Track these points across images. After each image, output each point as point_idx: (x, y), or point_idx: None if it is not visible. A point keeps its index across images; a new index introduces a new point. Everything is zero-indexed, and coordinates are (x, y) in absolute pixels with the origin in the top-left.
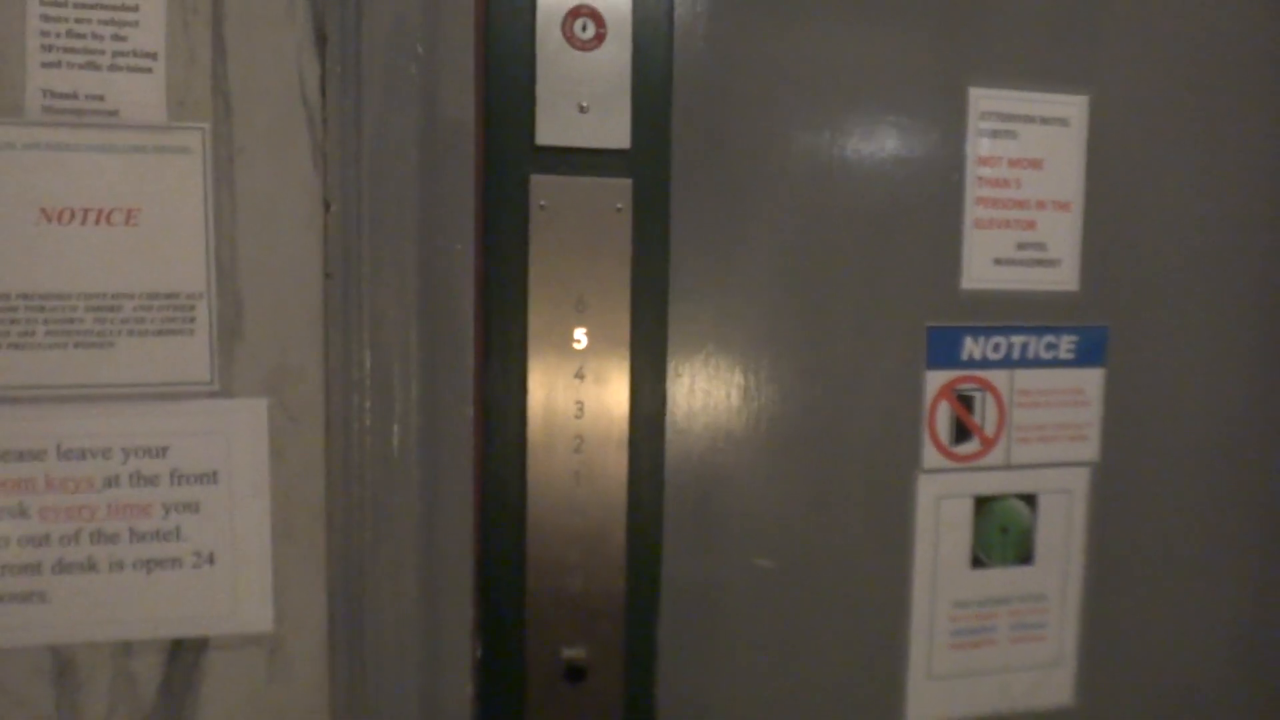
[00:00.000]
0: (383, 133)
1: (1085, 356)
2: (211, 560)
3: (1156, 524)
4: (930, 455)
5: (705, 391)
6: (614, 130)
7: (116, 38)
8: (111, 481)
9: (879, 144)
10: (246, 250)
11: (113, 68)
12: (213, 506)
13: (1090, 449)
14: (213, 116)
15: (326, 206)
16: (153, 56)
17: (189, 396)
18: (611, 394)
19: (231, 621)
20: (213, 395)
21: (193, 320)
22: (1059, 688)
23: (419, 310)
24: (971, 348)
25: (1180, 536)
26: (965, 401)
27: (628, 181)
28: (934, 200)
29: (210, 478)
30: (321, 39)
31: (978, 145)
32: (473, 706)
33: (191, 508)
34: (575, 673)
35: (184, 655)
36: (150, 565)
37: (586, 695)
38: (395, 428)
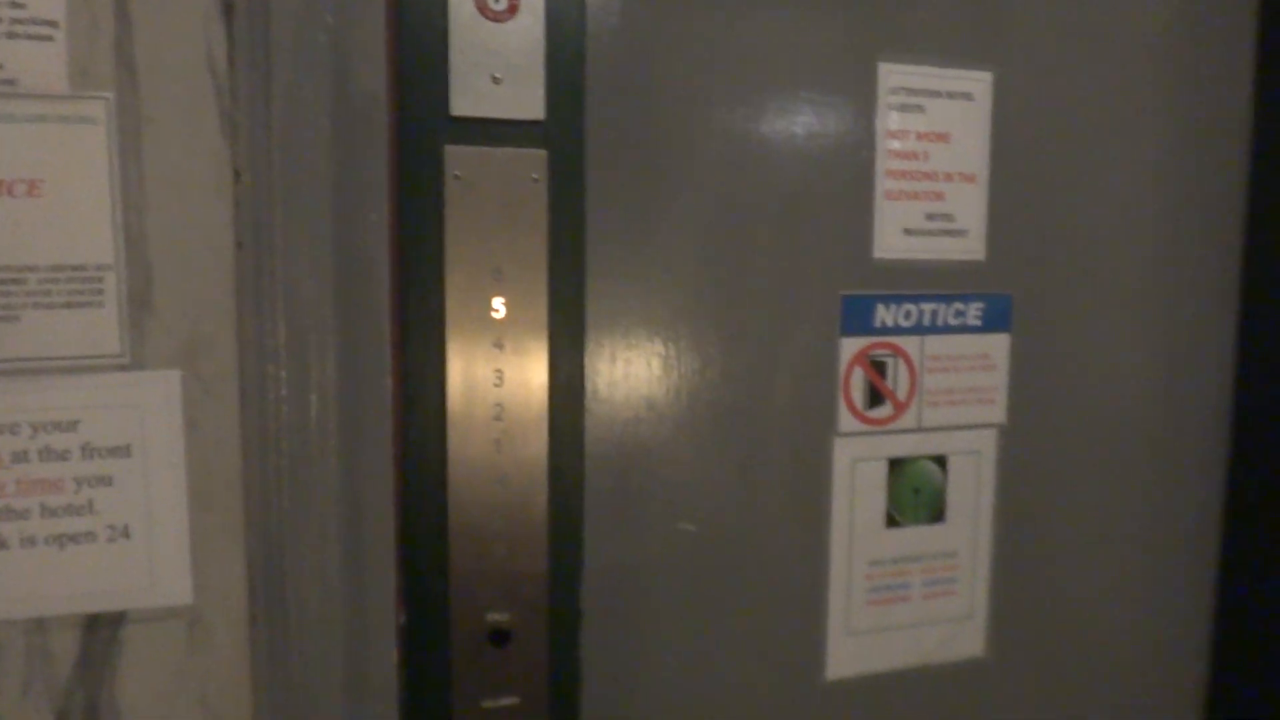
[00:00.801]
0: (293, 103)
1: (991, 323)
2: (127, 534)
3: (1061, 482)
4: (846, 420)
5: (626, 360)
6: (528, 101)
7: (14, 4)
8: (20, 457)
9: (793, 118)
10: (155, 221)
11: (10, 35)
12: (126, 480)
13: (997, 412)
14: (117, 86)
15: (237, 176)
16: (53, 25)
17: (99, 370)
18: (531, 363)
19: (149, 595)
20: (123, 368)
21: (101, 292)
22: (970, 640)
23: (334, 280)
24: (884, 315)
25: (1084, 494)
26: (878, 367)
27: (543, 153)
28: (846, 173)
29: (123, 451)
30: (228, 8)
31: (887, 119)
32: (398, 673)
33: (104, 481)
34: (500, 637)
35: (101, 630)
36: (63, 541)
37: (511, 658)
38: (312, 398)
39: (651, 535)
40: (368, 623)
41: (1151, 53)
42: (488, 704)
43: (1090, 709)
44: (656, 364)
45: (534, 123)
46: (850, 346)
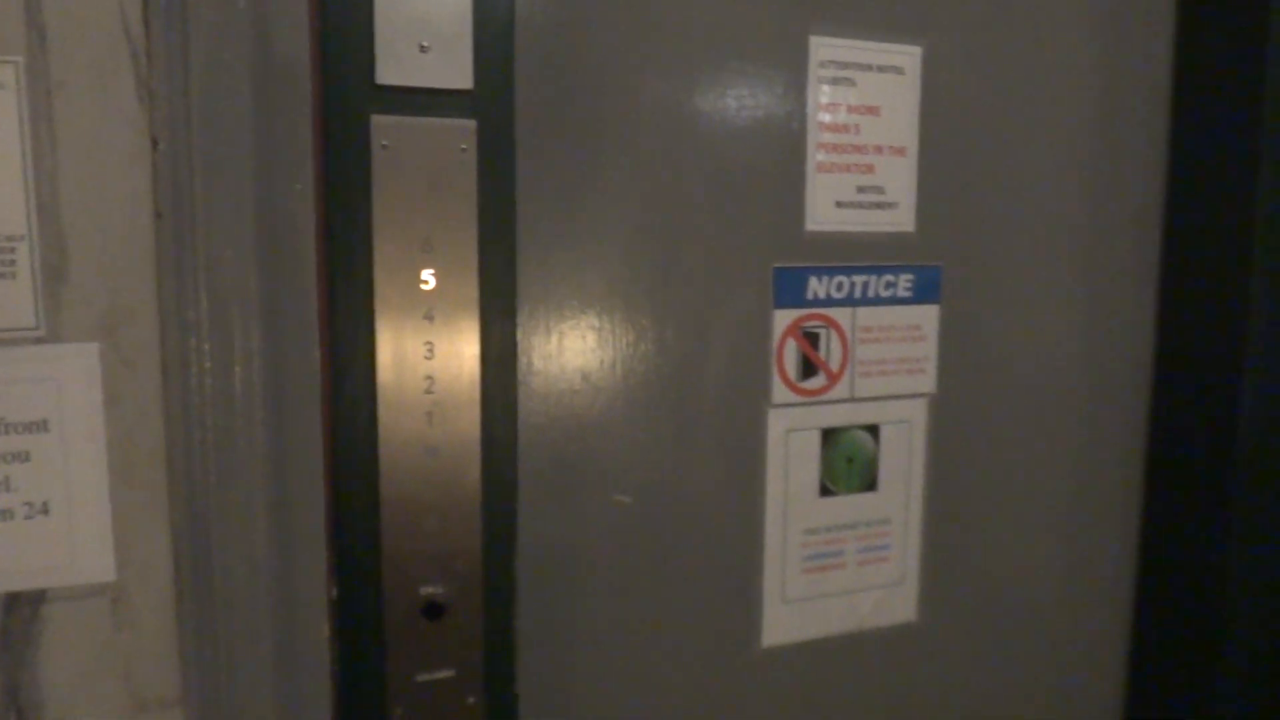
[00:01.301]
0: (211, 69)
1: (921, 294)
2: (45, 510)
3: (989, 450)
4: (779, 390)
5: (560, 333)
6: (456, 71)
7: None
8: None
9: (725, 91)
10: (69, 189)
11: None
12: (44, 456)
13: (928, 381)
14: (27, 50)
15: (154, 144)
16: None
17: (13, 343)
18: (462, 335)
19: (70, 572)
20: (39, 341)
21: (14, 264)
22: (903, 605)
23: (257, 250)
24: (816, 287)
25: (1010, 461)
26: (811, 339)
27: (472, 123)
28: (779, 145)
29: (40, 426)
30: None
31: (818, 92)
32: (330, 647)
33: (20, 457)
34: (434, 610)
35: (20, 609)
36: None
37: (446, 631)
38: (237, 369)
39: (587, 507)
40: (298, 597)
41: (1078, 29)
42: (422, 677)
43: (1019, 669)
44: (591, 337)
45: (463, 92)
46: (783, 318)
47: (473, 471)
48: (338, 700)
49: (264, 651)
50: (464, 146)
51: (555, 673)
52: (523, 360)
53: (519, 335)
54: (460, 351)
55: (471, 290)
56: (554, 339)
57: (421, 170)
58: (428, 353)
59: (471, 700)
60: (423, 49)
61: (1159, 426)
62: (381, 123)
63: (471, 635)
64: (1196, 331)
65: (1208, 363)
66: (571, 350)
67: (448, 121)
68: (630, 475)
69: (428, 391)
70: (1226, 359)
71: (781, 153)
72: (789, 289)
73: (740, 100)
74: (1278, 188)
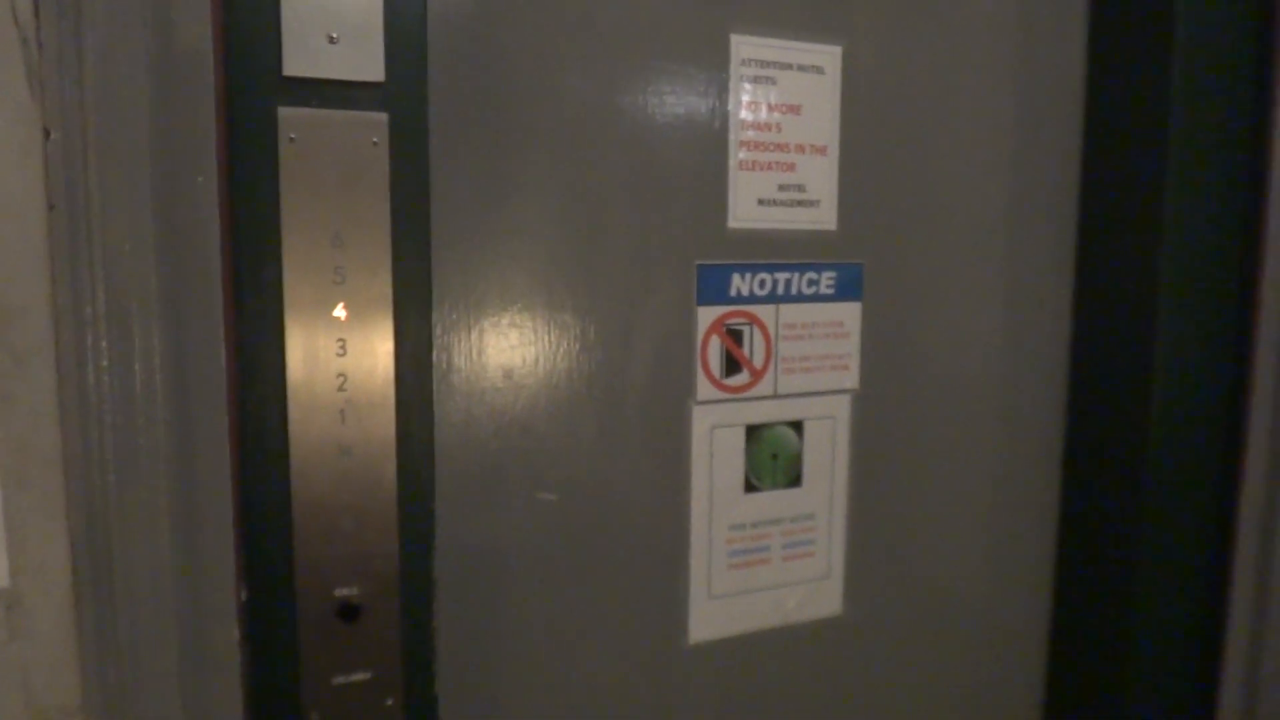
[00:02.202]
0: (107, 59)
1: (844, 291)
2: None
3: (911, 445)
4: (704, 387)
5: (481, 330)
6: (366, 63)
7: None
8: None
9: (646, 88)
10: None
11: None
12: None
13: (851, 378)
14: None
15: (46, 135)
16: None
17: None
18: (375, 331)
19: None
20: None
21: None
22: (829, 599)
23: (157, 244)
24: (739, 284)
25: (933, 455)
26: (735, 336)
27: (384, 115)
28: (700, 143)
29: None
30: None
31: (740, 91)
32: (241, 650)
33: None
34: (350, 611)
35: None
36: None
37: (363, 633)
38: (137, 367)
39: (512, 505)
40: (206, 600)
41: (994, 28)
42: (339, 680)
43: (942, 660)
44: (514, 334)
45: (373, 85)
46: (707, 315)
47: (389, 471)
48: (251, 705)
49: (170, 657)
50: (375, 140)
51: (480, 672)
52: (443, 358)
53: (438, 332)
54: (374, 348)
55: (385, 286)
56: (475, 336)
57: (331, 163)
58: (340, 350)
59: (390, 702)
60: (331, 40)
61: (1075, 421)
62: (289, 115)
63: (389, 637)
64: (1110, 325)
65: (1121, 357)
66: (493, 347)
67: (358, 114)
68: (554, 473)
69: (340, 389)
70: (1139, 353)
71: (703, 151)
72: (712, 286)
73: (662, 98)
74: (1184, 185)
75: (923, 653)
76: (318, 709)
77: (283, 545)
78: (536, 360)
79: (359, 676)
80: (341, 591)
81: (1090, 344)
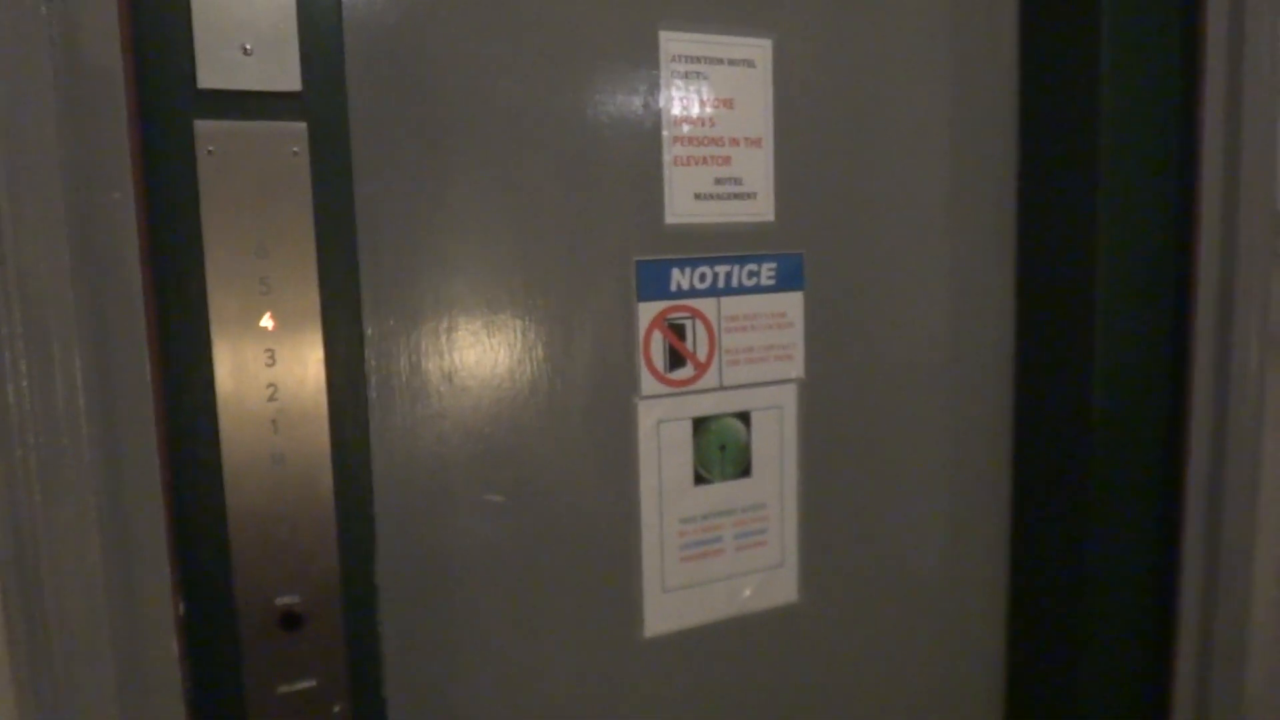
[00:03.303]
0: (10, 77)
1: (785, 282)
2: None
3: (861, 431)
4: (648, 382)
5: (419, 334)
6: (282, 73)
7: None
8: None
9: (577, 87)
10: None
11: None
12: None
13: (796, 367)
14: None
15: None
16: None
17: None
18: (304, 340)
19: None
20: None
21: None
22: (783, 587)
23: (73, 261)
24: (679, 279)
25: (882, 441)
26: (677, 330)
27: (302, 125)
28: (634, 140)
29: None
30: None
31: (671, 87)
32: (182, 664)
33: None
34: (292, 620)
35: None
36: None
37: (306, 641)
38: (58, 385)
39: (459, 508)
40: (142, 615)
41: (926, 16)
42: (284, 689)
43: (901, 646)
44: (454, 337)
45: (290, 94)
46: (648, 311)
47: (324, 478)
48: (194, 718)
49: (107, 675)
50: (295, 149)
51: (433, 675)
52: (381, 364)
53: (375, 338)
54: (303, 357)
55: (311, 294)
56: (414, 341)
57: (251, 175)
58: (269, 360)
59: (338, 709)
60: (246, 51)
61: (1023, 403)
62: (206, 128)
63: (333, 644)
64: (1052, 306)
65: (1064, 339)
66: (433, 352)
67: (276, 125)
68: (501, 474)
69: (271, 399)
70: (1080, 334)
71: (638, 148)
72: (652, 281)
73: (593, 96)
74: (1118, 169)
75: (881, 639)
76: (262, 717)
77: (220, 556)
78: (477, 363)
79: (304, 685)
80: (282, 600)
81: (1033, 326)
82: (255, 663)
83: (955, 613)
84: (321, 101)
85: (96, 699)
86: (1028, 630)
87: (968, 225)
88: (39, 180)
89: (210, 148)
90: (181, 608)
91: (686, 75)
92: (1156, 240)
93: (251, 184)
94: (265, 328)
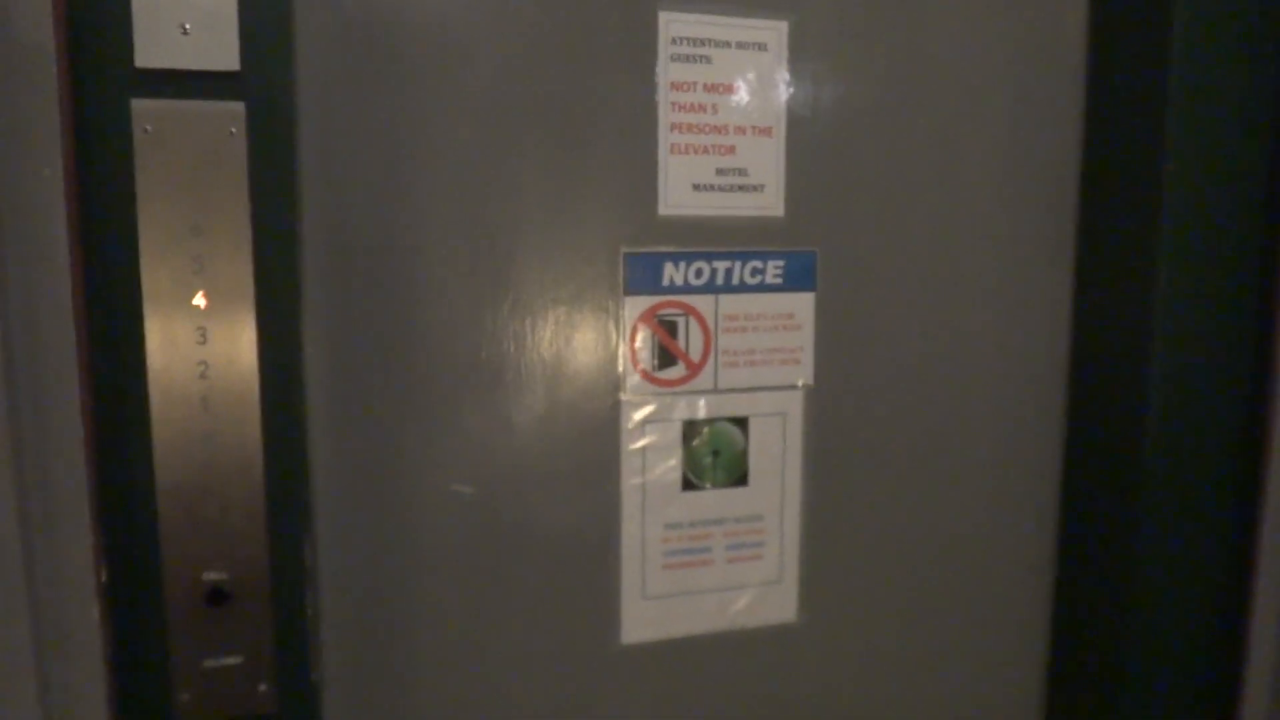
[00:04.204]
0: None
1: (795, 281)
2: None
3: (878, 445)
4: (633, 380)
5: (388, 317)
6: (221, 52)
7: None
8: None
9: (566, 69)
10: None
11: None
12: None
13: (804, 372)
14: None
15: None
16: None
17: None
18: (237, 319)
19: None
20: None
21: None
22: (781, 605)
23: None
24: (672, 273)
25: (903, 456)
26: (669, 327)
27: (240, 105)
28: (627, 126)
29: None
30: None
31: (669, 71)
32: (103, 630)
33: None
34: (218, 596)
35: None
36: None
37: (232, 618)
38: None
39: (422, 497)
40: (63, 581)
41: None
42: (209, 663)
43: (914, 677)
44: (421, 322)
45: (229, 74)
46: (636, 306)
47: (254, 459)
48: (117, 684)
49: (22, 634)
50: (233, 129)
51: (383, 667)
52: (332, 348)
53: (324, 323)
54: (235, 336)
55: (245, 274)
56: (380, 324)
57: (188, 154)
58: (200, 338)
59: (264, 688)
60: (184, 30)
61: (1075, 426)
62: (143, 107)
63: (260, 623)
64: (1111, 319)
65: (1121, 351)
66: (398, 337)
67: (214, 105)
68: (471, 464)
69: (202, 377)
70: (1140, 347)
71: (630, 134)
72: (642, 275)
73: (583, 79)
74: (1184, 170)
75: (890, 669)
76: (189, 691)
77: (147, 529)
78: (445, 348)
79: (230, 660)
80: (210, 576)
81: (1091, 339)
82: (182, 635)
83: (985, 643)
84: (262, 81)
85: (13, 659)
86: (1069, 665)
87: (1019, 225)
88: None
89: (147, 126)
90: (104, 575)
91: (687, 59)
92: (1234, 247)
93: (188, 163)
94: (197, 306)
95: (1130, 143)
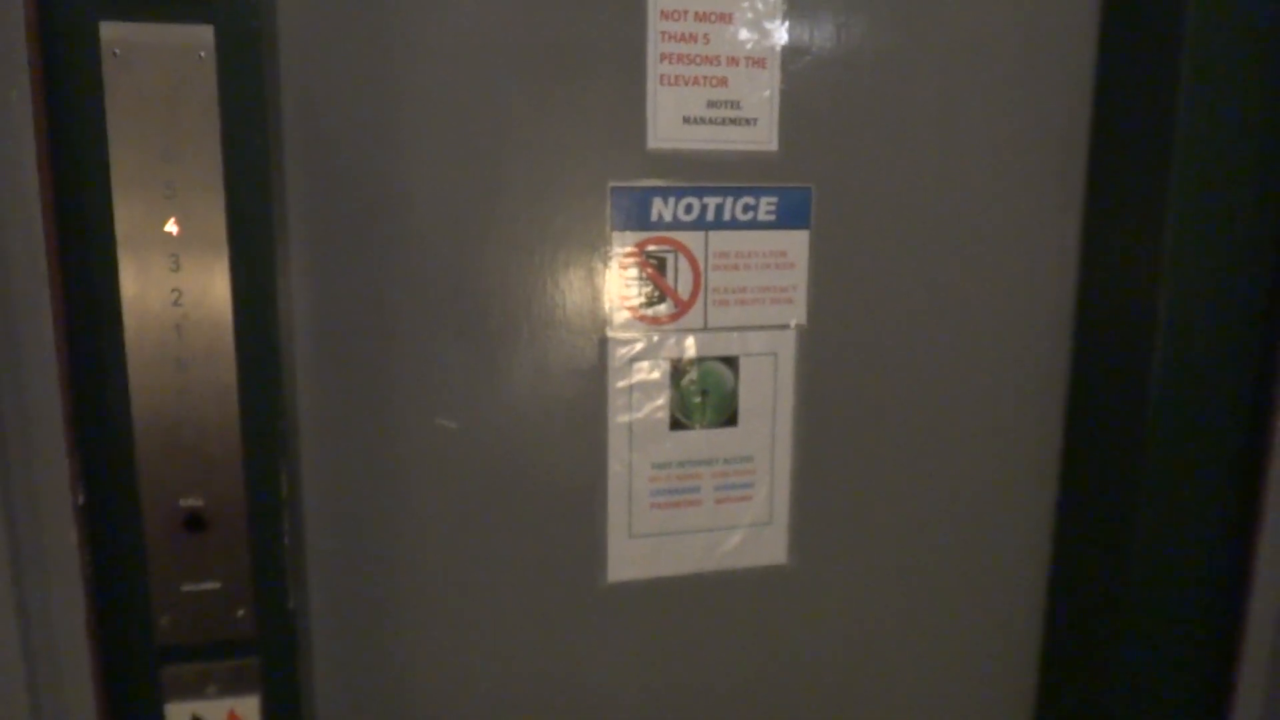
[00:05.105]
0: None
1: (788, 218)
2: None
3: (874, 386)
4: (620, 317)
5: (366, 246)
6: None
7: None
8: None
9: None
10: None
11: None
12: None
13: (797, 312)
14: None
15: None
16: None
17: None
18: (210, 246)
19: None
20: None
21: None
22: (771, 547)
23: None
24: (661, 209)
25: (899, 399)
26: (657, 263)
27: (208, 29)
28: (614, 56)
29: None
30: None
31: None
32: (81, 552)
33: None
34: (196, 522)
35: None
36: None
37: (210, 544)
38: None
39: (405, 430)
40: (40, 503)
41: None
42: (188, 587)
43: (906, 623)
44: (401, 251)
45: None
46: (623, 241)
47: (229, 385)
48: (97, 606)
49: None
50: (202, 53)
51: (364, 597)
52: (314, 278)
53: (306, 247)
54: (208, 264)
55: (217, 200)
56: (358, 253)
57: (158, 78)
58: (173, 265)
59: (241, 614)
60: None
61: (1079, 370)
62: (112, 29)
63: (237, 549)
64: (1119, 271)
65: (1128, 311)
66: (377, 264)
67: (183, 28)
68: (456, 399)
69: (176, 304)
70: (1147, 300)
71: (618, 64)
72: (629, 210)
73: (570, 7)
74: (1195, 121)
75: (884, 614)
76: (169, 614)
77: (124, 453)
78: (429, 283)
79: (208, 586)
80: (187, 502)
81: (1098, 284)
82: (160, 559)
83: (976, 589)
84: (231, 4)
85: None
86: (1069, 617)
87: (1028, 170)
88: None
89: (116, 50)
90: (81, 498)
91: None
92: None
93: (158, 88)
94: (170, 233)
95: (1144, 78)
